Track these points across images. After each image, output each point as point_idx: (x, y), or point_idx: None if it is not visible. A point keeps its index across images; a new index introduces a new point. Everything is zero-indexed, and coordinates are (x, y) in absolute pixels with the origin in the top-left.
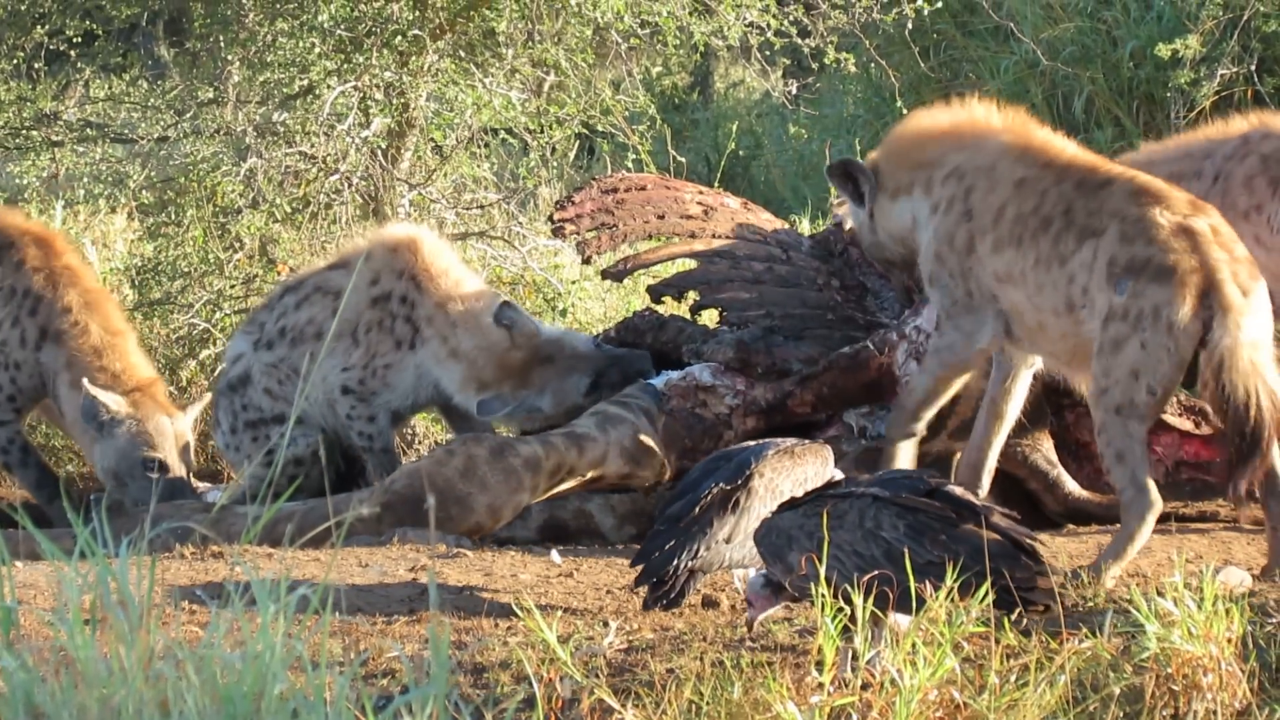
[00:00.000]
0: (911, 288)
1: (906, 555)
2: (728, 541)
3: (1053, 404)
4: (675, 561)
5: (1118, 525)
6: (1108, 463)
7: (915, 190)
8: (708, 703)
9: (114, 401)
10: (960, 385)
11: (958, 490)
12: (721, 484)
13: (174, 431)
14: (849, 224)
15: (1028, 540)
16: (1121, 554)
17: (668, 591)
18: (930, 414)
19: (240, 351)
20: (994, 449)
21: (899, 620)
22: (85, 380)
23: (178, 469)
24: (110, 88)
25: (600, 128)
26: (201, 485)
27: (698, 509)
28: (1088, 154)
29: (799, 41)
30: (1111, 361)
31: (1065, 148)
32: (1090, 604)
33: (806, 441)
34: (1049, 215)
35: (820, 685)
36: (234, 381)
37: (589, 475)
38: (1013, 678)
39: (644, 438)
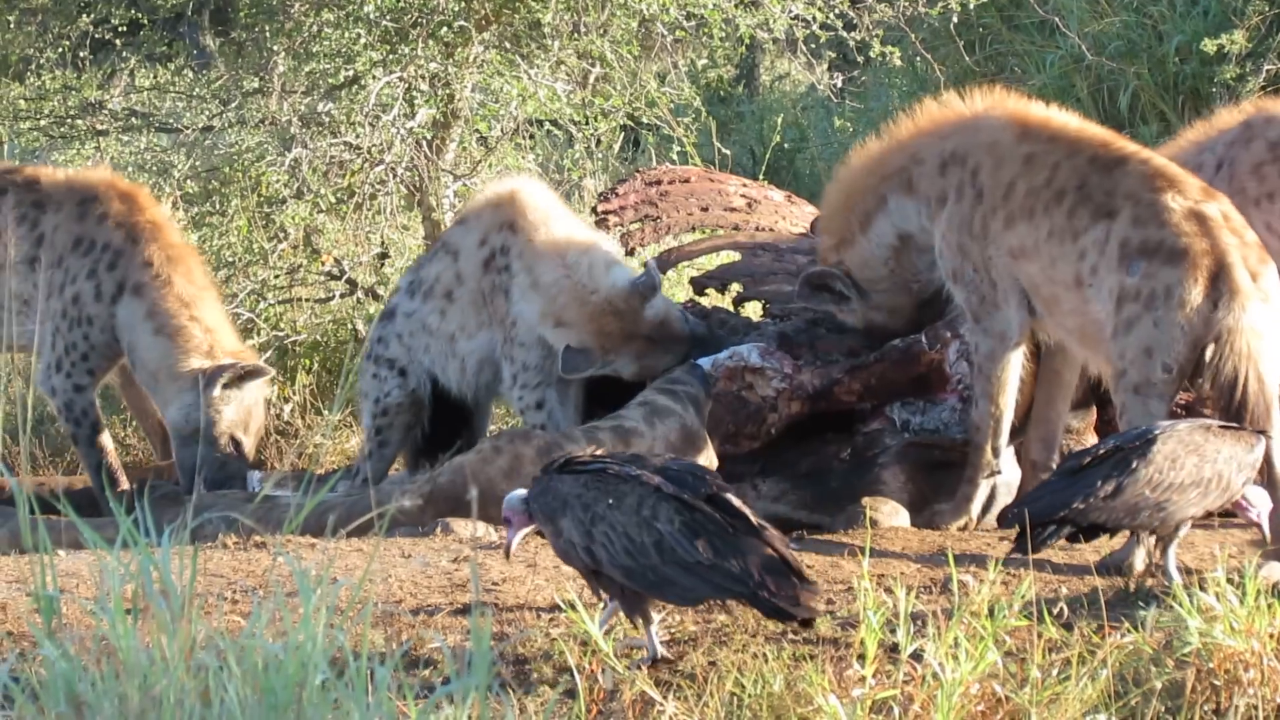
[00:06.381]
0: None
1: (675, 551)
2: (1110, 498)
3: (1097, 397)
4: (1057, 511)
5: None
6: None
7: (890, 200)
8: (749, 695)
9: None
10: (1015, 384)
11: (737, 501)
12: (1118, 443)
13: (251, 402)
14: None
15: (795, 560)
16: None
17: (1032, 539)
18: (1005, 432)
19: (399, 286)
20: (1062, 418)
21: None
22: (189, 349)
23: (245, 446)
24: (155, 77)
25: (645, 120)
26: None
27: (1088, 461)
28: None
29: (844, 35)
30: (1126, 342)
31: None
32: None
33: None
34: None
35: (862, 678)
36: (388, 309)
37: None
38: (1054, 671)
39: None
